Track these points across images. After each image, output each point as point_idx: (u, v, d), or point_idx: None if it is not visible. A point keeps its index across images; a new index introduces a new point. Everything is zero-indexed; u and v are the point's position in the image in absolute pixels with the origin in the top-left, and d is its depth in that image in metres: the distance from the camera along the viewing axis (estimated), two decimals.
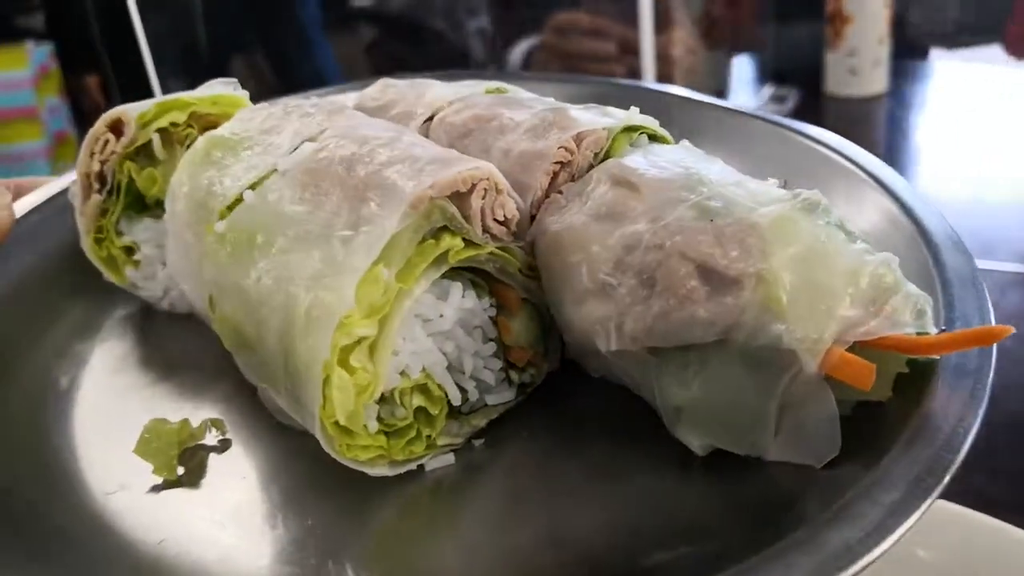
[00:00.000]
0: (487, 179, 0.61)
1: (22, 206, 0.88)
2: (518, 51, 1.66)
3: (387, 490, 0.63)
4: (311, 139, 0.68)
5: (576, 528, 0.58)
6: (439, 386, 0.63)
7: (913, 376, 0.58)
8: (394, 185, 0.59)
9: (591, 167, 0.68)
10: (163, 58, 1.57)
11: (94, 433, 0.71)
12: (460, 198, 0.60)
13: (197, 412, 0.72)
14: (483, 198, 0.61)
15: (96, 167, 0.81)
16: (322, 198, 0.61)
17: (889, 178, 0.80)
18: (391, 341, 0.59)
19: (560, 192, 0.66)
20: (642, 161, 0.65)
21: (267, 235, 0.62)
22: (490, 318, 0.65)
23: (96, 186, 0.82)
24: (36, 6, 1.97)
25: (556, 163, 0.66)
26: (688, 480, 0.61)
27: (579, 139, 0.67)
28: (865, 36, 1.53)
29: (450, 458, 0.65)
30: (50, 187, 0.91)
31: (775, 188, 0.63)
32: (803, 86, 1.87)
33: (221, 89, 0.86)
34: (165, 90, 1.62)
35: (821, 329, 0.54)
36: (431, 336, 0.62)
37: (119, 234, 0.84)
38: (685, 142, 0.71)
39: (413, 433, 0.63)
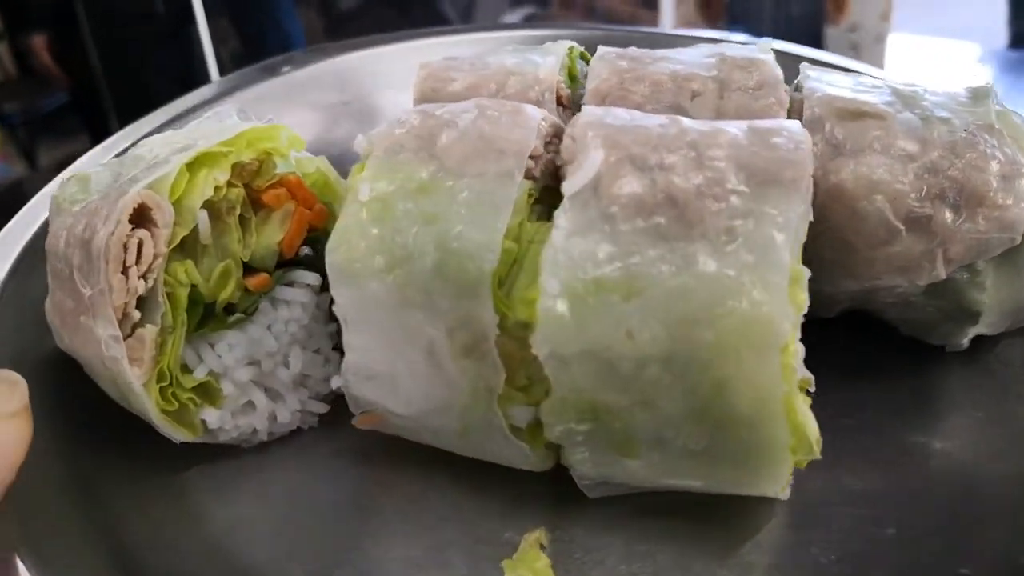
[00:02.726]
0: None
1: None
2: (512, 19, 1.42)
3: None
4: (536, 156, 0.54)
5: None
6: None
7: None
8: (771, 168, 0.50)
9: None
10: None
11: None
12: None
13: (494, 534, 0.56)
14: None
15: (139, 287, 0.52)
16: (668, 212, 0.49)
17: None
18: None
19: None
20: (845, 89, 0.64)
21: (615, 280, 0.48)
22: None
23: (136, 316, 0.52)
24: None
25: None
26: None
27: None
28: (867, 11, 1.49)
29: None
30: None
31: (952, 88, 0.67)
32: None
33: (236, 123, 0.60)
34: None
35: None
36: None
37: (186, 371, 0.56)
38: (805, 63, 0.71)
39: None
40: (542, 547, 0.54)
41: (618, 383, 0.49)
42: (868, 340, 0.70)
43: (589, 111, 0.55)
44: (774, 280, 0.48)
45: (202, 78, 1.46)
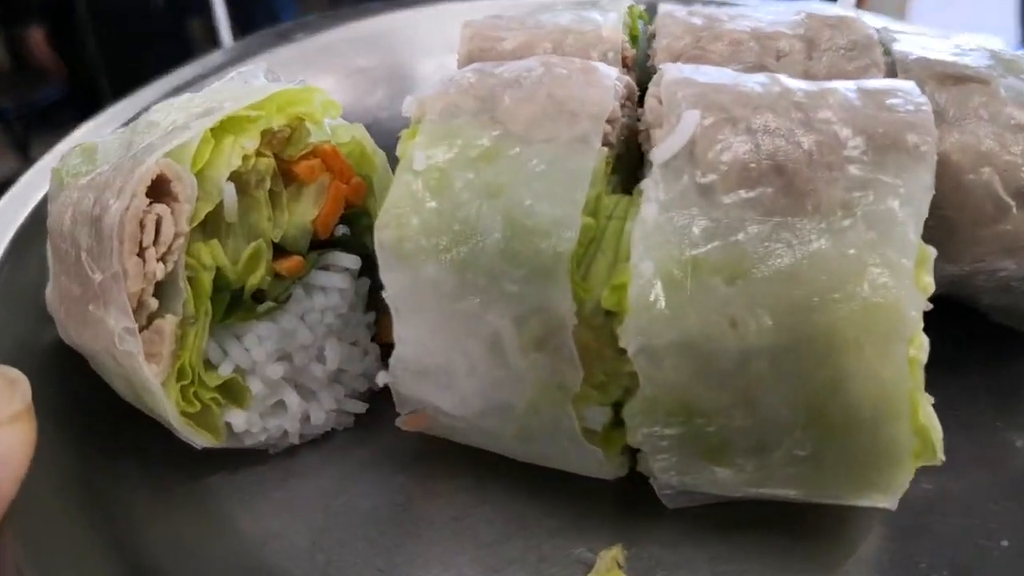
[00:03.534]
0: None
1: None
2: None
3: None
4: (613, 120, 0.47)
5: None
6: None
7: None
8: (890, 132, 0.43)
9: None
10: None
11: None
12: None
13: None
14: None
15: (157, 271, 0.45)
16: (775, 182, 0.43)
17: None
18: None
19: None
20: (941, 52, 0.57)
21: (716, 261, 0.42)
22: None
23: (153, 304, 0.45)
24: None
25: None
26: None
27: None
28: (883, 6, 1.40)
29: None
30: None
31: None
32: None
33: (264, 85, 0.53)
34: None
35: None
36: None
37: (210, 368, 0.49)
38: (887, 26, 0.65)
39: None
40: (619, 566, 0.48)
41: (717, 380, 0.42)
42: (954, 328, 0.64)
43: (674, 68, 0.48)
44: (900, 261, 0.41)
45: None
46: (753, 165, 0.43)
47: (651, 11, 0.65)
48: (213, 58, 0.82)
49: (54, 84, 1.71)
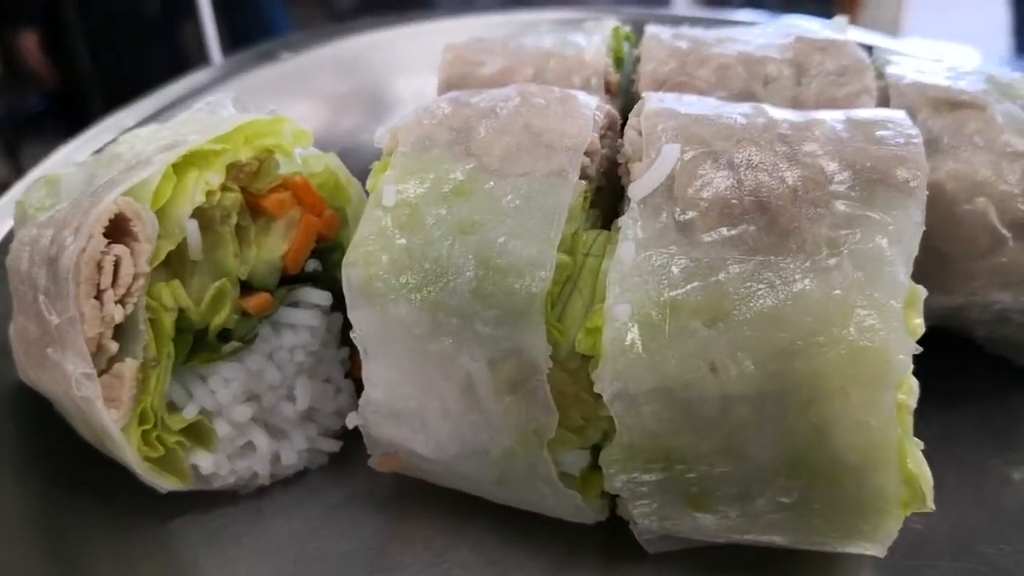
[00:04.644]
0: None
1: None
2: None
3: None
4: (592, 152, 0.45)
5: None
6: None
7: None
8: (879, 167, 0.42)
9: None
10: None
11: None
12: None
13: None
14: None
15: (115, 314, 0.43)
16: (758, 220, 0.41)
17: None
18: None
19: None
20: (935, 76, 0.56)
21: (696, 303, 0.40)
22: None
23: (113, 348, 0.44)
24: None
25: None
26: None
27: None
28: (879, 15, 1.38)
29: None
30: None
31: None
32: None
33: (232, 115, 0.51)
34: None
35: None
36: None
37: (174, 411, 0.47)
38: (880, 47, 0.63)
39: None
40: None
41: (698, 427, 0.41)
42: (948, 359, 0.61)
43: (656, 98, 0.46)
44: (888, 302, 0.40)
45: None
46: (735, 201, 0.41)
47: (638, 31, 0.63)
48: (198, 77, 0.81)
49: (46, 90, 1.71)
